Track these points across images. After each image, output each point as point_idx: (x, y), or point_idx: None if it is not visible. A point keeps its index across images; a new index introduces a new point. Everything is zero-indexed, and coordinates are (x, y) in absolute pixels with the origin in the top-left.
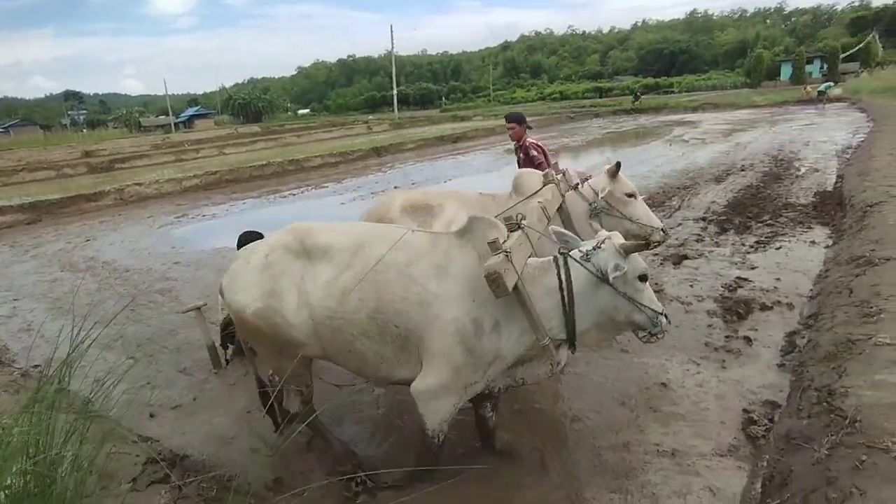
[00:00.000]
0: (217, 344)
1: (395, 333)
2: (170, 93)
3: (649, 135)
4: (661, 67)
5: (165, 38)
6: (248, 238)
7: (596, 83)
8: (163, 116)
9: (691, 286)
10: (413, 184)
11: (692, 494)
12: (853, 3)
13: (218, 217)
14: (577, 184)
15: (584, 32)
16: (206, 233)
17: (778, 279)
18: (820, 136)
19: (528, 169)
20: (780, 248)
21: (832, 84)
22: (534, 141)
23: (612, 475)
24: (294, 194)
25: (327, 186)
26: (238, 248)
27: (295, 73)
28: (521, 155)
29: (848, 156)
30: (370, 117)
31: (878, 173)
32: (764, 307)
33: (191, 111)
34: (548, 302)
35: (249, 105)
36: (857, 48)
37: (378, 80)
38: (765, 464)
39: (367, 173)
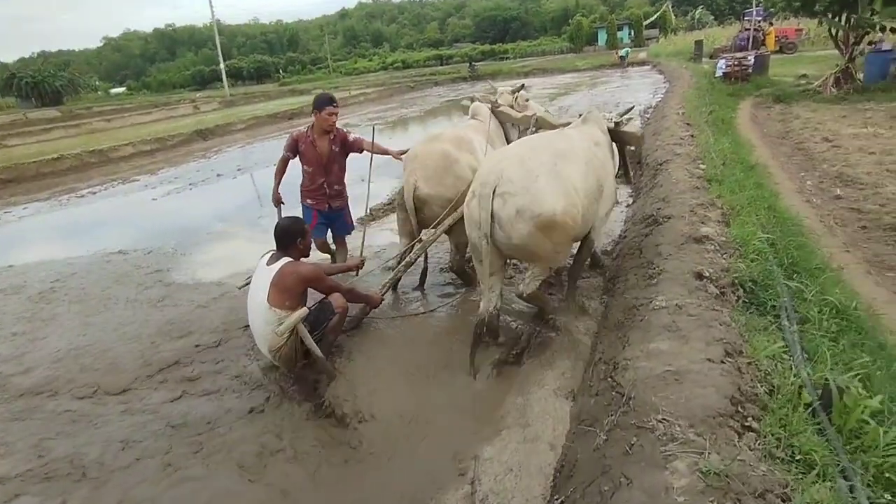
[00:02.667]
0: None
1: (598, 189)
2: None
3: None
4: (496, 34)
5: None
6: (286, 226)
7: (437, 51)
8: None
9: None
10: (239, 169)
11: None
12: None
13: None
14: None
15: (422, 0)
16: None
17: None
18: (628, 97)
19: (476, 103)
20: None
21: (629, 49)
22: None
23: None
24: (95, 192)
25: (138, 179)
26: (277, 237)
27: (101, 44)
28: (336, 147)
29: (648, 115)
30: (198, 95)
31: (667, 132)
32: None
33: None
34: None
35: (42, 84)
36: (655, 16)
37: (206, 52)
38: (560, 452)
39: (189, 160)
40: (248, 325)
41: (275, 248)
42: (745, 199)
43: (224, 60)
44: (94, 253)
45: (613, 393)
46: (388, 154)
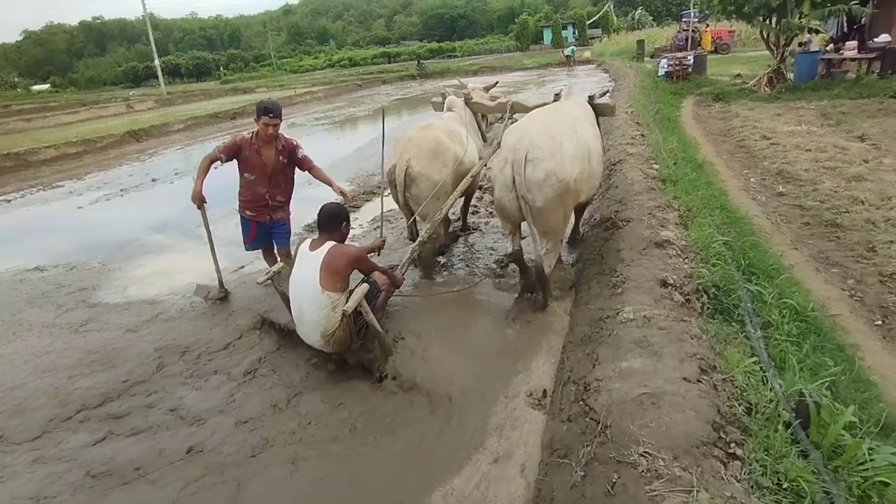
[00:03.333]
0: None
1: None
2: None
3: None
4: (443, 32)
5: None
6: (332, 210)
7: (384, 48)
8: None
9: (467, 265)
10: (177, 173)
11: None
12: None
13: None
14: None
15: None
16: None
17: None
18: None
19: (451, 97)
20: None
21: (574, 48)
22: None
23: None
24: (9, 201)
25: (62, 185)
26: (323, 220)
27: (21, 38)
28: (283, 158)
29: None
30: (131, 93)
31: (618, 132)
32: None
33: None
34: None
35: None
36: (598, 16)
37: (140, 47)
38: (532, 485)
39: (121, 164)
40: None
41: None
42: (698, 199)
43: (160, 56)
44: (5, 271)
45: (587, 419)
46: (331, 186)
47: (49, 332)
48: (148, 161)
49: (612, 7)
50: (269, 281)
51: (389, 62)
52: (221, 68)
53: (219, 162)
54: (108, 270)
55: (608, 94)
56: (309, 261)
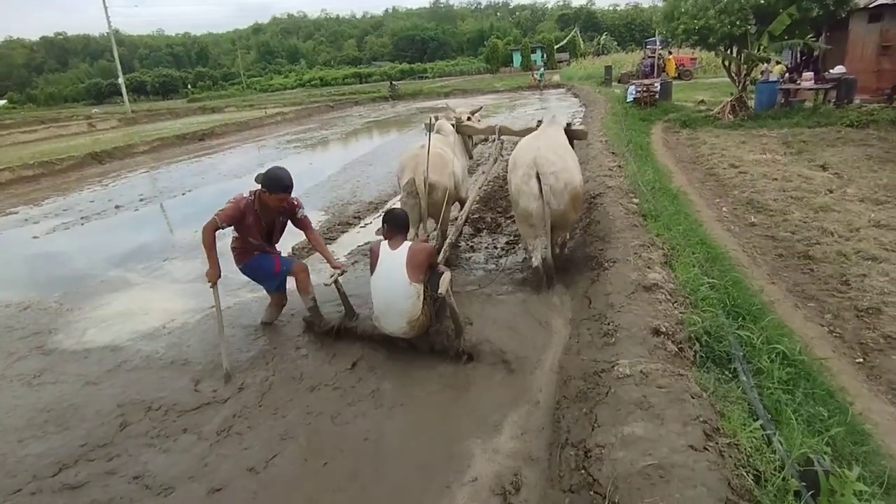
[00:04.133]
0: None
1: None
2: None
3: (406, 124)
4: (414, 53)
5: None
6: (401, 215)
7: (356, 69)
8: None
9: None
10: (142, 199)
11: None
12: (559, 2)
13: None
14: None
15: (338, 17)
16: None
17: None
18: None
19: (442, 120)
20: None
21: (543, 71)
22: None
23: None
24: None
25: (16, 212)
26: (396, 224)
27: None
28: (282, 218)
29: None
30: (94, 110)
31: (594, 161)
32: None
33: None
34: None
35: None
36: (566, 41)
37: (103, 63)
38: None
39: (82, 188)
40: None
41: (386, 235)
42: (680, 234)
43: (124, 73)
44: None
45: (592, 492)
46: (329, 263)
47: None
48: (111, 185)
49: (578, 32)
50: (335, 282)
51: (361, 82)
52: (189, 86)
53: (222, 229)
54: (65, 311)
55: (575, 120)
56: (392, 259)
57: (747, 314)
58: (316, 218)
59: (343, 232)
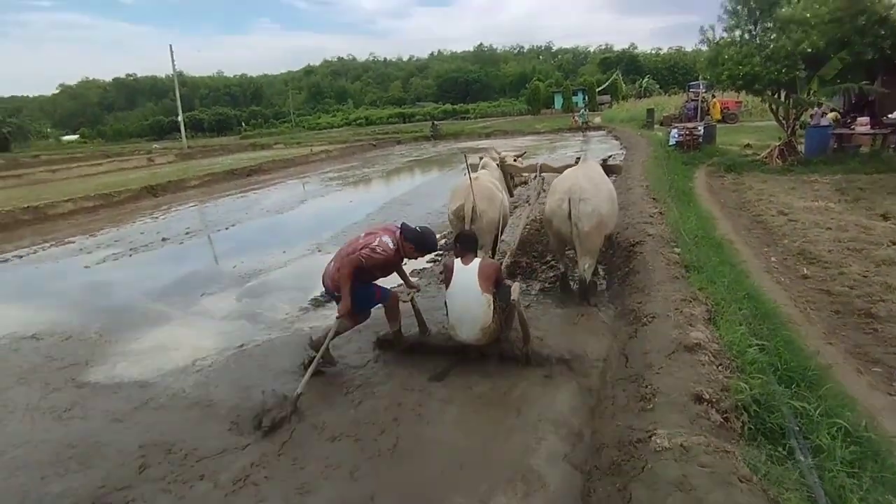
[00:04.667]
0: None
1: (613, 200)
2: None
3: (446, 163)
4: (457, 94)
5: None
6: (472, 235)
7: (400, 109)
8: None
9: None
10: (188, 233)
11: None
12: (601, 46)
13: None
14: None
15: (385, 59)
16: None
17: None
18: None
19: (487, 158)
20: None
21: (585, 112)
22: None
23: None
24: (21, 257)
25: (74, 241)
26: (468, 243)
27: (57, 91)
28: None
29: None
30: (155, 146)
31: (634, 208)
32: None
33: None
34: None
35: None
36: (607, 83)
37: (167, 102)
38: None
39: (135, 220)
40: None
41: (458, 253)
42: (724, 288)
43: (185, 111)
44: (3, 337)
45: None
46: (404, 281)
47: (31, 418)
48: (161, 218)
49: (619, 75)
50: (411, 300)
51: (404, 122)
52: (243, 124)
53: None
54: (103, 342)
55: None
56: (465, 273)
57: (802, 380)
58: None
59: None
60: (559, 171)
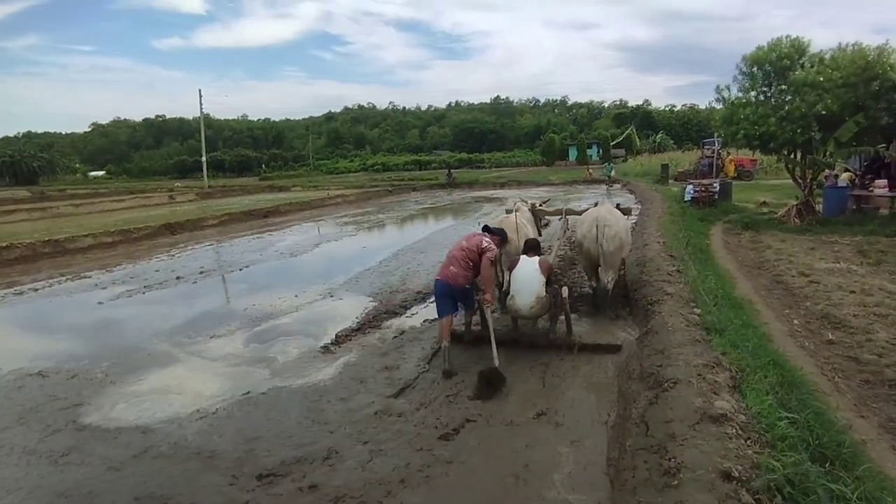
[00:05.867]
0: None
1: (628, 230)
2: None
3: (461, 212)
4: (473, 144)
5: None
6: (537, 241)
7: (416, 156)
8: None
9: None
10: (202, 272)
11: None
12: (616, 101)
13: None
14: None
15: (404, 108)
16: None
17: (572, 406)
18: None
19: (519, 203)
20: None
21: (612, 165)
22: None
23: None
24: (37, 289)
25: (90, 276)
26: (532, 246)
27: (89, 129)
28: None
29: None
30: (177, 184)
31: (652, 264)
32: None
33: None
34: None
35: (20, 163)
36: (622, 137)
37: (192, 143)
38: None
39: (152, 257)
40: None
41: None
42: (748, 353)
43: (208, 152)
44: (9, 372)
45: None
46: (486, 289)
47: (27, 461)
48: (177, 256)
49: (634, 130)
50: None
51: (420, 169)
52: (263, 165)
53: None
54: (108, 383)
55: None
56: (529, 261)
57: (836, 458)
58: (363, 304)
59: (388, 319)
60: (580, 213)
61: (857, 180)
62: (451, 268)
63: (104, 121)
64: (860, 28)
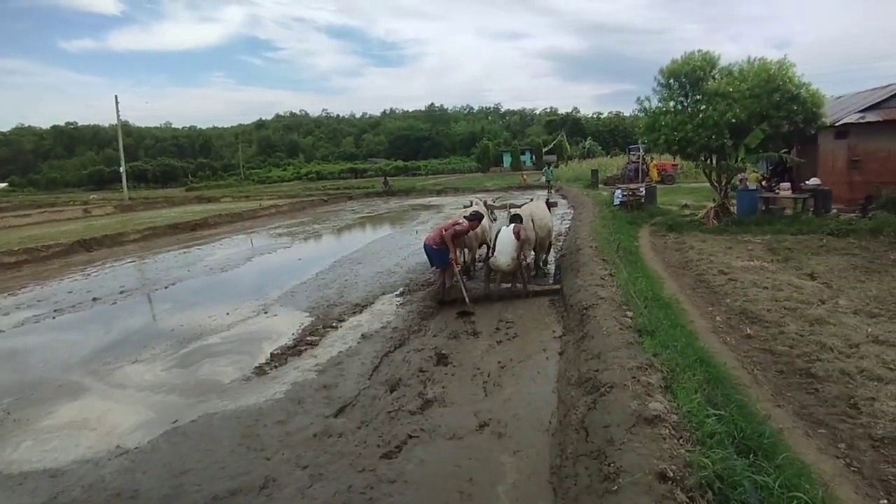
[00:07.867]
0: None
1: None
2: None
3: (398, 220)
4: (408, 151)
5: None
6: (516, 216)
7: (352, 164)
8: None
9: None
10: (122, 292)
11: None
12: (546, 109)
13: None
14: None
15: (338, 116)
16: None
17: (515, 415)
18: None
19: (477, 200)
20: (521, 361)
21: (551, 170)
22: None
23: None
24: None
25: None
26: (512, 218)
27: None
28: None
29: (561, 244)
30: (93, 196)
31: (586, 269)
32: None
33: None
34: None
35: None
36: (553, 144)
37: (109, 152)
38: None
39: (63, 277)
40: None
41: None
42: (677, 353)
43: (128, 161)
44: None
45: None
46: (454, 259)
47: None
48: (94, 275)
49: (564, 136)
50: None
51: (356, 177)
52: (189, 175)
53: None
54: (11, 420)
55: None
56: (508, 229)
57: (759, 448)
58: (299, 320)
59: (324, 335)
60: (520, 206)
61: (764, 183)
62: (431, 234)
63: (5, 128)
64: (765, 43)
